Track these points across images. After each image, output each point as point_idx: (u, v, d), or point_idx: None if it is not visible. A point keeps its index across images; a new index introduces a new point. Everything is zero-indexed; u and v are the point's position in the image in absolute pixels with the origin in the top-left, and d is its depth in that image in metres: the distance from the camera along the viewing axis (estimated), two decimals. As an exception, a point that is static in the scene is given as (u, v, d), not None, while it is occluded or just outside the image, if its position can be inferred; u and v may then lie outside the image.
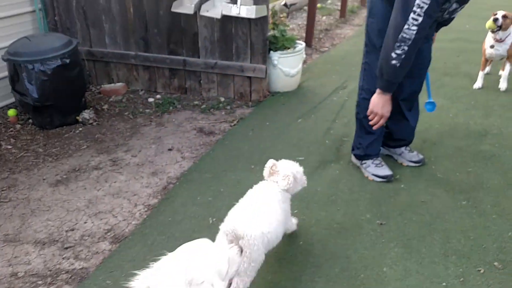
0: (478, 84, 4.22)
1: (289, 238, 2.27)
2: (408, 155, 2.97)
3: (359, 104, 2.80)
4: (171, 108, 4.03)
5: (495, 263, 2.08)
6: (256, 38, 3.91)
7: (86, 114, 3.76)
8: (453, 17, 2.47)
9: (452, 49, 5.39)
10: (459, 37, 5.94)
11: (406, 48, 2.17)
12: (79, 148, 3.33)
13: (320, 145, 3.27)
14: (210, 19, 3.90)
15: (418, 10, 2.09)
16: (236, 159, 3.10)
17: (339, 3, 8.19)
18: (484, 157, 3.00)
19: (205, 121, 3.75)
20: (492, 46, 4.05)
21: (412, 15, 2.10)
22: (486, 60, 4.21)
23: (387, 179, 2.77)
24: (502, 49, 4.03)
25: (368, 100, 2.47)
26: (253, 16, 3.61)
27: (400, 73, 2.28)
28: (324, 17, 7.94)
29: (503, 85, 4.14)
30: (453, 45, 5.54)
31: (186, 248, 1.48)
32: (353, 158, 2.97)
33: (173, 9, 3.92)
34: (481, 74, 4.22)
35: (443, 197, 2.59)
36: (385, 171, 2.80)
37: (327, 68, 5.10)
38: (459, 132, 3.36)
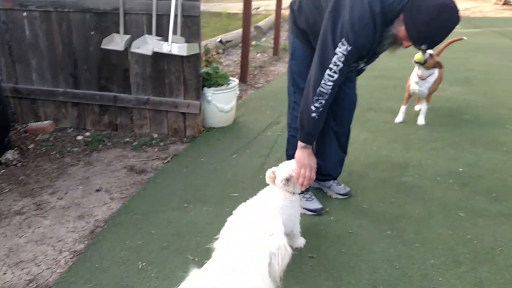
0: (399, 118, 4.50)
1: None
2: (336, 188, 3.08)
3: (288, 142, 2.90)
4: (100, 146, 3.91)
5: (419, 291, 2.18)
6: (189, 75, 3.94)
7: (10, 155, 3.55)
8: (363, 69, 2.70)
9: (375, 85, 5.75)
10: (381, 74, 6.35)
11: (323, 101, 2.29)
12: (0, 192, 3.12)
13: (254, 181, 3.29)
14: (142, 55, 3.89)
15: (334, 67, 2.22)
16: (168, 198, 3.04)
17: (273, 41, 8.51)
18: (406, 188, 3.17)
19: (136, 159, 3.66)
20: (417, 82, 4.34)
21: (328, 71, 2.22)
22: (409, 96, 4.50)
23: (317, 212, 2.85)
24: (424, 87, 4.33)
25: (296, 137, 2.56)
26: (184, 53, 3.65)
27: (319, 125, 2.38)
28: (258, 54, 8.19)
29: (421, 121, 4.44)
30: (376, 82, 5.90)
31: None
32: None
33: (103, 46, 3.88)
34: (403, 108, 4.51)
35: (369, 228, 2.69)
36: (316, 204, 2.88)
37: (261, 103, 5.22)
38: (382, 164, 3.54)
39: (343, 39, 2.16)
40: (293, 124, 2.82)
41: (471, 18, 13.98)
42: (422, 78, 4.29)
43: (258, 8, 13.94)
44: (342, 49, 2.18)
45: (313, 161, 2.43)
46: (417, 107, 4.73)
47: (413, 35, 2.12)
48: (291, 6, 2.67)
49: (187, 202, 2.97)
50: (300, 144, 2.43)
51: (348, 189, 3.08)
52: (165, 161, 3.63)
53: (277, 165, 3.46)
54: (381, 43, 2.28)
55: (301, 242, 2.46)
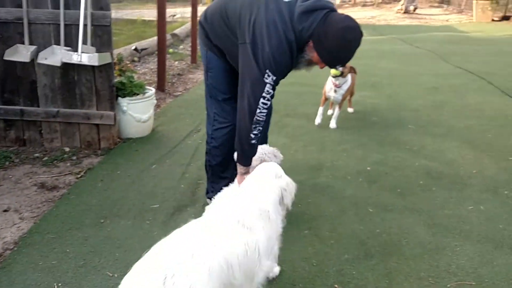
0: (318, 120, 4.73)
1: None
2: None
3: (210, 152, 2.92)
4: (7, 163, 3.65)
5: (335, 285, 2.30)
6: (101, 85, 3.82)
7: None
8: None
9: (291, 92, 5.97)
10: (296, 81, 6.58)
11: (260, 128, 2.41)
12: None
13: (175, 191, 3.27)
14: (50, 66, 3.70)
15: (267, 95, 2.34)
16: (83, 214, 2.92)
17: (191, 49, 8.49)
18: (321, 188, 3.35)
19: (47, 175, 3.47)
20: (334, 90, 4.57)
21: (262, 100, 2.33)
22: (326, 99, 4.75)
23: None
24: (338, 94, 4.60)
25: (218, 148, 2.72)
26: (96, 63, 3.54)
27: (257, 147, 2.52)
28: (176, 62, 8.13)
29: (333, 124, 4.70)
30: (292, 89, 6.12)
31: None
32: (208, 200, 3.05)
33: (6, 57, 3.65)
34: (320, 110, 4.74)
35: (288, 229, 2.76)
36: None
37: (180, 112, 5.19)
38: (299, 167, 3.70)
39: (267, 70, 2.28)
40: (214, 135, 2.86)
41: (376, 26, 15.04)
42: (337, 86, 4.55)
43: (174, 15, 13.83)
44: (268, 79, 2.30)
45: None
46: (329, 112, 5.00)
47: (326, 59, 2.33)
48: (201, 22, 2.72)
49: (104, 218, 2.87)
50: (241, 169, 2.53)
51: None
52: (79, 175, 3.47)
53: (199, 174, 3.49)
54: (297, 66, 2.45)
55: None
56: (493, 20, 15.72)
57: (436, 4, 22.32)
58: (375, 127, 4.70)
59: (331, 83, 4.58)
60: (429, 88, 6.35)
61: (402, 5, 18.75)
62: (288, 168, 3.64)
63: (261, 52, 2.27)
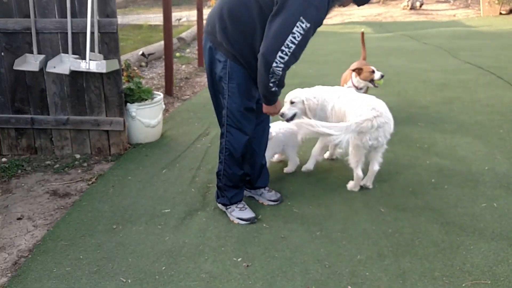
0: None
1: (156, 297, 2.22)
2: (267, 195, 3.16)
3: (224, 163, 2.88)
4: (19, 171, 3.69)
5: (349, 287, 2.29)
6: (110, 92, 3.85)
7: None
8: None
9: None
10: (304, 81, 6.59)
11: (278, 76, 2.42)
12: None
13: (186, 195, 3.28)
14: (59, 74, 3.74)
15: (286, 50, 2.34)
16: (95, 220, 2.94)
17: (197, 52, 8.52)
18: (331, 189, 3.33)
19: (59, 182, 3.50)
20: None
21: (280, 53, 2.34)
22: None
23: (251, 221, 2.90)
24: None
25: (231, 162, 2.83)
26: (104, 70, 3.57)
27: (279, 91, 2.55)
28: (183, 66, 8.17)
29: None
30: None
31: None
32: (219, 204, 3.06)
33: (16, 67, 3.69)
34: None
35: (300, 231, 2.80)
36: (249, 214, 2.93)
37: (189, 116, 5.21)
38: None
39: (301, 17, 2.30)
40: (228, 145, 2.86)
41: (383, 23, 14.98)
42: (359, 88, 4.48)
43: (180, 19, 13.89)
44: (299, 28, 2.31)
45: (279, 109, 2.78)
46: None
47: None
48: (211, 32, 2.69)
49: (116, 224, 2.89)
50: (265, 108, 2.72)
51: (279, 195, 3.17)
52: (90, 182, 3.50)
53: (209, 177, 3.50)
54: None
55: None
56: (500, 13, 15.55)
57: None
58: (385, 126, 4.66)
59: (351, 85, 4.48)
60: (438, 84, 6.29)
61: (408, 1, 18.63)
62: (298, 169, 3.66)
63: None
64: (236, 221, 2.91)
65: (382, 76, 4.33)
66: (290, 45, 2.33)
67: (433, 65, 7.63)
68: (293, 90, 3.41)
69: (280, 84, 2.49)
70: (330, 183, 3.42)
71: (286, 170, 3.61)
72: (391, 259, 2.49)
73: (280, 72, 2.39)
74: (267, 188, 3.19)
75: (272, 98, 2.60)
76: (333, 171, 3.62)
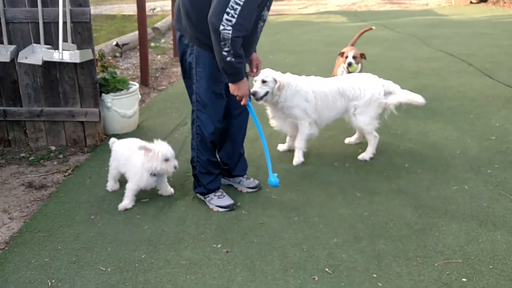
0: None
1: (139, 283, 2.23)
2: (246, 182, 3.19)
3: (196, 150, 2.93)
4: (-8, 164, 3.61)
5: (326, 269, 2.35)
6: (84, 82, 3.80)
7: None
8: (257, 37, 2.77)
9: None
10: (282, 71, 6.63)
11: (230, 45, 2.37)
12: None
13: (164, 184, 3.28)
14: (31, 65, 3.66)
15: (232, 11, 2.30)
16: (73, 211, 2.92)
17: (172, 42, 8.43)
18: (308, 175, 3.39)
19: (34, 174, 3.45)
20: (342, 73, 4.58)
21: (225, 16, 2.30)
22: None
23: (229, 208, 2.93)
24: None
25: (203, 149, 2.85)
26: (77, 60, 3.51)
27: (238, 64, 2.47)
28: (159, 56, 8.08)
29: None
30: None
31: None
32: (197, 195, 3.07)
33: (-15, 57, 3.58)
34: None
35: (278, 217, 2.84)
36: (227, 201, 2.96)
37: (166, 106, 5.18)
38: (286, 156, 3.73)
39: None
40: (195, 144, 2.93)
41: (358, 12, 15.09)
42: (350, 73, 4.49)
43: (154, 9, 13.67)
44: None
45: (244, 91, 2.64)
46: None
47: None
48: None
49: (94, 214, 2.88)
50: (231, 87, 2.63)
51: (257, 182, 3.21)
52: (66, 173, 3.46)
53: (187, 167, 3.49)
54: None
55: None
56: (471, 2, 15.89)
57: (416, -11, 22.42)
58: (360, 113, 4.74)
59: (342, 70, 4.57)
60: (412, 72, 6.42)
61: (382, -10, 18.79)
62: (276, 157, 3.70)
63: None
64: (216, 209, 2.94)
65: (349, 64, 4.41)
66: (235, 6, 2.29)
67: (406, 53, 7.77)
68: (264, 69, 3.39)
69: (235, 53, 2.42)
70: (306, 170, 3.48)
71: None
72: (366, 241, 2.57)
73: (229, 36, 2.33)
74: (245, 176, 3.22)
75: (231, 71, 2.52)
76: (310, 158, 3.67)
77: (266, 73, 3.39)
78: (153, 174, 2.91)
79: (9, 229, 2.74)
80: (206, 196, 3.00)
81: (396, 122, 4.40)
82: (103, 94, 4.03)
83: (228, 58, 2.42)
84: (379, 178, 3.31)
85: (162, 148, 2.85)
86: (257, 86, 3.37)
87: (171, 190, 3.13)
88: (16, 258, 2.46)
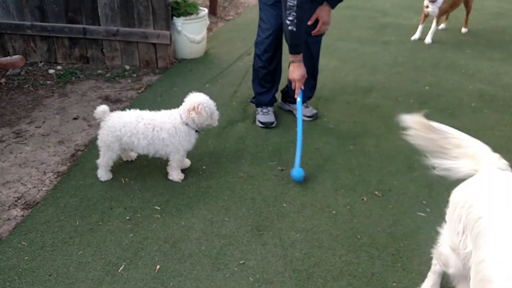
0: (416, 36, 4.97)
1: (201, 187, 2.46)
2: (304, 111, 3.27)
3: (255, 57, 3.12)
4: (73, 78, 3.94)
5: (376, 192, 2.44)
6: (157, 4, 3.93)
7: (-20, 88, 3.55)
8: None
9: (345, 16, 5.82)
10: (351, 5, 6.40)
11: (294, 14, 2.48)
12: (-25, 123, 3.18)
13: (227, 107, 3.44)
14: (109, -15, 3.84)
15: None
16: (145, 122, 3.17)
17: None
18: (369, 108, 3.39)
19: (110, 90, 3.74)
20: (427, 6, 4.78)
21: None
22: (425, 16, 4.90)
23: (266, 125, 3.14)
24: (435, 6, 4.73)
25: (258, 56, 3.01)
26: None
27: (298, 36, 2.60)
28: (228, -14, 8.03)
29: (428, 39, 4.86)
30: (346, 12, 5.97)
31: None
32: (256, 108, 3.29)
33: (68, -25, 3.80)
34: (420, 27, 4.99)
35: (334, 144, 2.92)
36: (268, 118, 3.16)
37: (232, 35, 5.25)
38: (348, 88, 3.74)
39: None
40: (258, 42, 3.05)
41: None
42: (433, 1, 4.71)
43: None
44: None
45: (297, 75, 2.75)
46: (442, 26, 5.29)
47: None
48: None
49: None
50: (291, 58, 2.73)
51: (315, 111, 3.28)
52: (139, 91, 3.72)
53: (250, 93, 3.63)
54: None
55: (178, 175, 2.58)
56: None
57: None
58: (431, 50, 4.56)
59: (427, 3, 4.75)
60: (493, 13, 5.95)
61: None
62: (337, 89, 3.72)
63: None
64: (257, 123, 3.17)
65: None
66: None
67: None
68: None
69: (298, 25, 2.51)
70: (368, 103, 3.47)
71: None
72: (420, 172, 2.60)
73: (294, 2, 2.43)
74: (305, 104, 3.29)
75: (290, 39, 2.62)
76: (373, 92, 3.65)
77: None
78: (197, 131, 2.61)
79: (88, 134, 3.06)
80: (257, 110, 3.21)
81: (469, 62, 4.20)
82: (174, 18, 4.16)
83: (290, 27, 2.54)
84: (443, 115, 3.25)
85: (206, 102, 2.59)
86: None
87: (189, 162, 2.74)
88: (94, 159, 2.74)
